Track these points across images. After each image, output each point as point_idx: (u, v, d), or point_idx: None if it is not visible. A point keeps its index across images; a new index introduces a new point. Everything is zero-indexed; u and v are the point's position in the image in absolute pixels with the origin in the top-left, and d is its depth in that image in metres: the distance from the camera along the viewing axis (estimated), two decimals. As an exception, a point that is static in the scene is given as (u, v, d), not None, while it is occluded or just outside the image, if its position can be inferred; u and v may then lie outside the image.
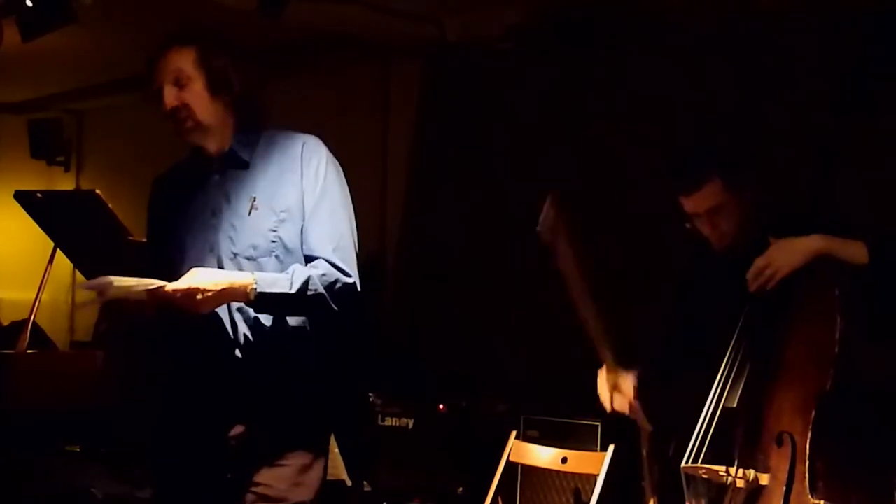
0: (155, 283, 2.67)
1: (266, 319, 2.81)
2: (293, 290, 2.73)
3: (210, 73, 2.81)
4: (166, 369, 2.97)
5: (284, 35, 5.71)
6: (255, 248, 2.82)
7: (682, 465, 2.95)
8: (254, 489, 2.78)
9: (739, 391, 2.93)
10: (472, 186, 5.71)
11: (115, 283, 2.67)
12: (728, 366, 2.96)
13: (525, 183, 5.45)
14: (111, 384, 4.84)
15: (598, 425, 4.49)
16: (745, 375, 2.94)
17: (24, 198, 5.23)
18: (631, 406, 3.31)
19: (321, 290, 2.76)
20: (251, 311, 2.80)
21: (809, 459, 2.75)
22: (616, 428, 4.33)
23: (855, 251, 2.84)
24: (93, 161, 8.54)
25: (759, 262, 2.90)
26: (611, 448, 4.12)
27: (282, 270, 2.79)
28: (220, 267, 2.81)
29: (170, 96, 2.81)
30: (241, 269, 2.80)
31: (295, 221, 2.83)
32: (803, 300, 2.89)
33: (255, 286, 2.71)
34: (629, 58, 5.03)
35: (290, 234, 2.83)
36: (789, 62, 4.43)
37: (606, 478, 4.00)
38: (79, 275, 5.83)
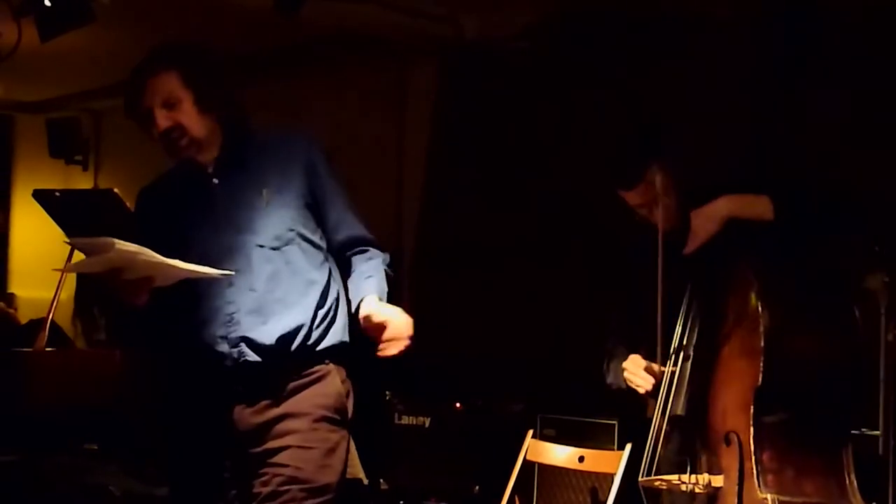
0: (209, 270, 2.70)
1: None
2: (387, 288, 2.95)
3: (198, 91, 2.82)
4: (166, 365, 2.99)
5: (301, 34, 5.72)
6: (278, 237, 2.85)
7: (639, 478, 2.95)
8: (282, 471, 2.79)
9: (684, 397, 2.93)
10: (489, 184, 5.70)
11: (118, 247, 2.55)
12: (671, 373, 2.95)
13: (541, 180, 5.46)
14: (128, 382, 4.86)
15: (615, 424, 4.47)
16: (688, 381, 2.94)
17: (42, 196, 5.26)
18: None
19: (389, 272, 3.00)
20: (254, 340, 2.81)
21: (755, 454, 2.73)
22: (633, 427, 4.33)
23: (761, 206, 2.89)
24: (111, 160, 8.57)
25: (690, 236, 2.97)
26: (628, 447, 4.11)
27: (303, 258, 2.86)
28: (248, 263, 2.82)
29: (161, 118, 2.81)
30: (267, 259, 2.83)
31: (310, 211, 2.90)
32: (728, 298, 2.90)
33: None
34: (644, 57, 5.01)
35: (304, 222, 2.89)
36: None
37: (623, 476, 3.99)
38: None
